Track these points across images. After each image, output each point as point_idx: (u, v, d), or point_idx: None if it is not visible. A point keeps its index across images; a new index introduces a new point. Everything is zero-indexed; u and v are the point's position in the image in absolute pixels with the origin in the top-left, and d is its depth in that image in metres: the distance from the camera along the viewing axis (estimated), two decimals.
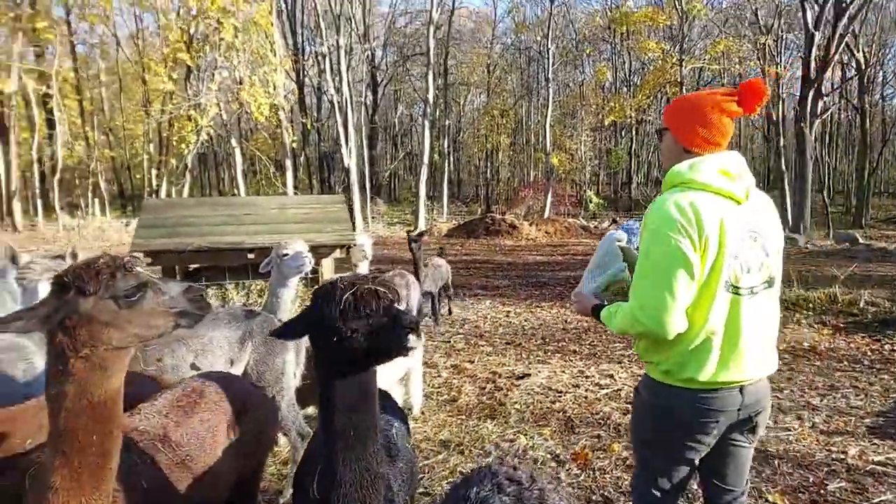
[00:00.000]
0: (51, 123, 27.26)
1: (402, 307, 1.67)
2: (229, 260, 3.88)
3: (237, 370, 3.21)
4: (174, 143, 25.28)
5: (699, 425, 1.90)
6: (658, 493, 2.01)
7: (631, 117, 29.00)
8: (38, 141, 26.04)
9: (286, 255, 3.61)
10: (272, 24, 23.83)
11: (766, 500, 3.27)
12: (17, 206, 24.28)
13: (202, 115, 23.44)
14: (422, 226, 21.65)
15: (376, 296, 1.55)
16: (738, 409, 1.91)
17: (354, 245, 4.61)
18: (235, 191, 24.35)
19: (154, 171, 29.40)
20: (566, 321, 8.01)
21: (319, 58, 27.93)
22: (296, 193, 30.32)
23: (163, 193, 25.82)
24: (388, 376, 3.97)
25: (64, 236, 20.71)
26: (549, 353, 6.36)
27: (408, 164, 41.99)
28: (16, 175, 24.90)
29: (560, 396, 4.96)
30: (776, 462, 3.68)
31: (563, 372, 5.66)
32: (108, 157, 34.13)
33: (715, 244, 1.80)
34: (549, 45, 25.55)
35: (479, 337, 7.14)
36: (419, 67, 32.36)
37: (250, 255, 4.00)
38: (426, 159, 22.82)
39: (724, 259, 1.81)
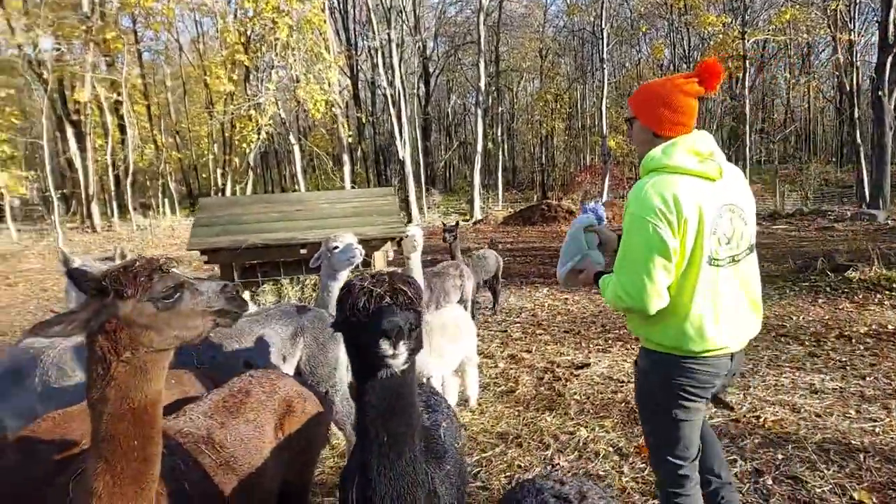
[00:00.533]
0: (123, 129, 28.65)
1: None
2: (283, 256, 3.92)
3: (289, 366, 3.23)
4: (236, 142, 26.08)
5: (699, 390, 2.05)
6: (674, 461, 2.12)
7: None
8: (112, 146, 27.41)
9: (336, 248, 3.61)
10: (325, 22, 24.15)
11: (851, 498, 3.04)
12: (95, 209, 25.68)
13: (262, 115, 24.08)
14: (477, 215, 21.57)
15: (368, 294, 1.43)
16: (727, 374, 2.10)
17: (406, 236, 4.55)
18: (296, 187, 24.99)
19: (219, 171, 30.46)
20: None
21: (372, 52, 28.18)
22: (353, 187, 30.86)
23: (227, 192, 26.72)
24: (443, 367, 3.93)
25: (138, 235, 21.77)
26: (609, 342, 6.17)
27: (462, 154, 41.89)
28: (93, 179, 26.29)
29: (622, 386, 4.80)
30: (861, 456, 3.43)
31: (625, 361, 5.47)
32: (176, 158, 35.58)
33: (694, 225, 1.93)
34: (603, 25, 24.79)
35: (537, 326, 7.02)
36: (471, 56, 32.13)
37: (303, 251, 4.03)
38: (480, 148, 22.67)
39: (703, 237, 1.94)
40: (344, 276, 3.66)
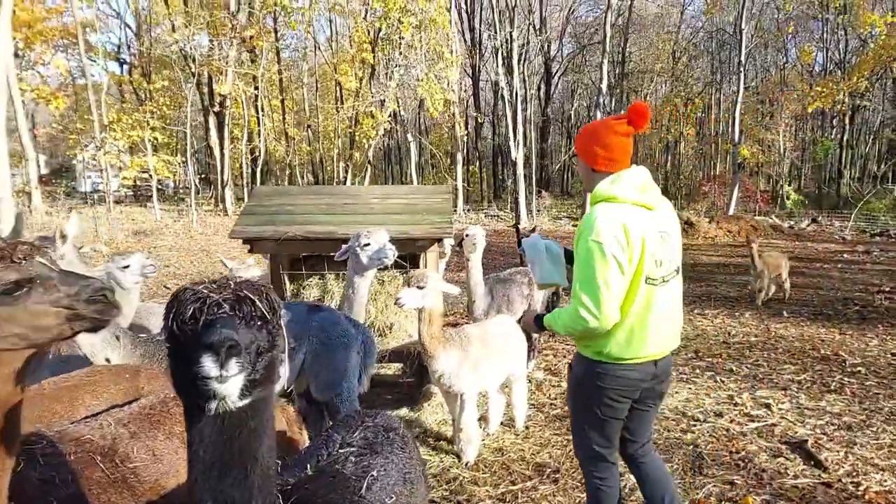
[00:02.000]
0: (258, 122, 30.72)
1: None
2: (324, 249, 3.82)
3: (285, 369, 3.09)
4: (357, 138, 27.05)
5: (625, 391, 2.33)
6: (598, 449, 2.44)
7: (843, 103, 24.93)
8: (248, 136, 29.47)
9: (367, 244, 3.43)
10: (448, 22, 24.37)
11: None
12: (228, 194, 27.71)
13: (382, 112, 24.80)
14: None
15: (201, 302, 1.09)
16: (652, 378, 2.36)
17: (467, 236, 4.28)
18: (405, 178, 25.51)
19: (342, 164, 31.81)
20: (729, 333, 6.98)
21: (494, 52, 28.06)
22: (465, 186, 30.93)
23: (348, 184, 27.81)
24: (479, 383, 3.63)
25: None
26: (696, 371, 5.53)
27: None
28: (228, 166, 28.41)
29: (695, 425, 4.23)
30: None
31: (708, 395, 4.86)
32: (306, 151, 37.64)
33: (639, 249, 2.19)
34: (743, 26, 22.85)
35: None
36: (597, 57, 31.04)
37: (344, 246, 3.90)
38: None
39: (644, 259, 2.20)
40: (371, 274, 3.48)
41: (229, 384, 1.06)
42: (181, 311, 1.09)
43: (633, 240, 2.17)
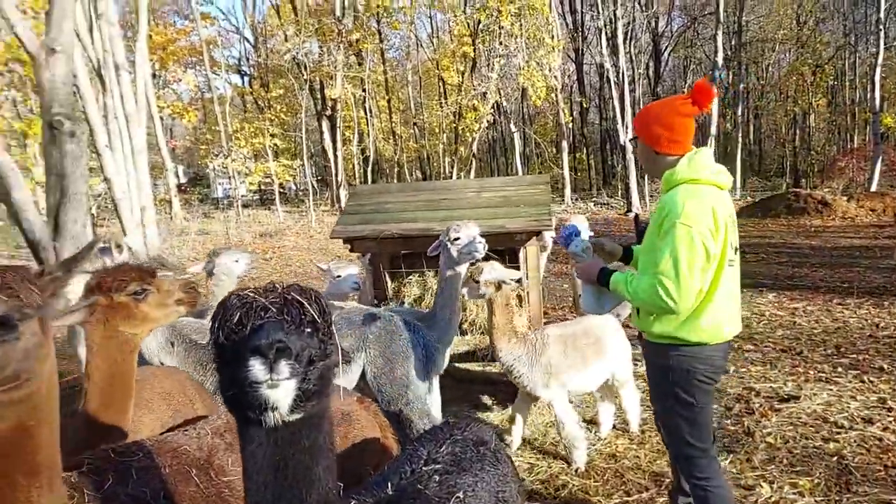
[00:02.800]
0: (367, 122, 31.73)
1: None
2: (422, 246, 3.76)
3: (345, 382, 3.04)
4: (461, 132, 27.16)
5: (715, 373, 2.36)
6: (699, 444, 2.37)
7: None
8: (358, 137, 30.56)
9: (457, 238, 3.33)
10: (548, 6, 23.79)
11: None
12: (342, 194, 28.86)
13: (484, 104, 24.71)
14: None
15: (248, 307, 1.03)
16: (726, 359, 2.44)
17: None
18: (511, 169, 25.28)
19: (447, 160, 32.18)
20: (877, 325, 6.20)
21: (598, 33, 27.03)
22: (573, 173, 30.11)
23: (453, 178, 28.04)
24: (572, 387, 3.44)
25: None
26: (838, 370, 4.94)
27: (699, 138, 38.16)
28: (342, 167, 29.60)
29: (839, 433, 3.77)
30: None
31: (853, 398, 4.32)
32: (413, 148, 38.42)
33: (723, 232, 2.19)
34: None
35: (747, 339, 5.94)
36: (710, 29, 28.98)
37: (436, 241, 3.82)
38: (713, 130, 20.31)
39: (728, 241, 2.22)
40: (463, 270, 3.36)
41: (280, 390, 0.99)
42: (228, 318, 1.04)
43: (720, 223, 2.17)
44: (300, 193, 38.14)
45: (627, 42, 26.43)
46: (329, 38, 28.34)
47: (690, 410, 2.34)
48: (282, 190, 31.73)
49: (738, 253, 2.35)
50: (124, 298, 1.98)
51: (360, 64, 31.26)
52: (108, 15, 14.92)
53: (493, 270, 3.33)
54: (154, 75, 33.00)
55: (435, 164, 39.65)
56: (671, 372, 2.34)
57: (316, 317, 1.07)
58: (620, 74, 21.85)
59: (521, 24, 23.76)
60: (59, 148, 7.64)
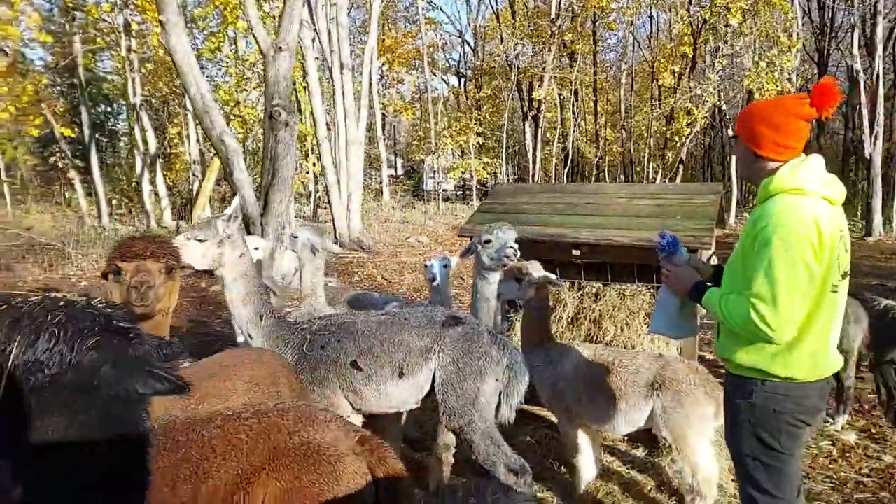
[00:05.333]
0: (573, 124, 31.27)
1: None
2: (555, 253, 3.43)
3: (407, 385, 2.79)
4: (668, 136, 25.47)
5: (807, 416, 2.04)
6: (785, 497, 2.05)
7: None
8: (559, 137, 30.27)
9: (488, 241, 3.00)
10: (789, 1, 21.11)
11: None
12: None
13: (700, 107, 22.82)
14: (878, 225, 15.76)
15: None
16: (823, 399, 2.14)
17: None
18: (727, 182, 23.02)
19: (652, 165, 30.49)
20: None
21: (850, 30, 23.31)
22: None
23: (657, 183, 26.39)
24: (584, 420, 2.91)
25: None
26: None
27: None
28: (539, 168, 29.55)
29: None
30: None
31: None
32: (618, 152, 36.96)
33: (828, 252, 1.91)
34: None
35: None
36: None
37: (575, 251, 3.44)
38: None
39: (833, 265, 1.95)
40: (495, 277, 3.00)
41: None
42: None
43: (826, 241, 1.89)
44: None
45: (890, 40, 22.43)
46: (542, 39, 28.42)
47: (774, 458, 2.04)
48: (482, 187, 32.68)
49: (846, 278, 2.04)
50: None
51: (571, 65, 30.82)
52: (340, 18, 16.58)
53: (539, 270, 3.07)
54: (382, 76, 36.17)
55: (639, 168, 37.69)
56: (754, 410, 2.05)
57: None
58: (875, 77, 18.58)
59: (753, 22, 21.44)
60: (275, 135, 8.61)
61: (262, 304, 3.00)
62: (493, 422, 2.82)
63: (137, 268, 2.19)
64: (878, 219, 18.01)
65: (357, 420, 3.38)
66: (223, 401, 2.19)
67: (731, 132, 2.18)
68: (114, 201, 20.91)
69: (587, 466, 3.41)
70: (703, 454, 2.94)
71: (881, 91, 18.74)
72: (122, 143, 28.23)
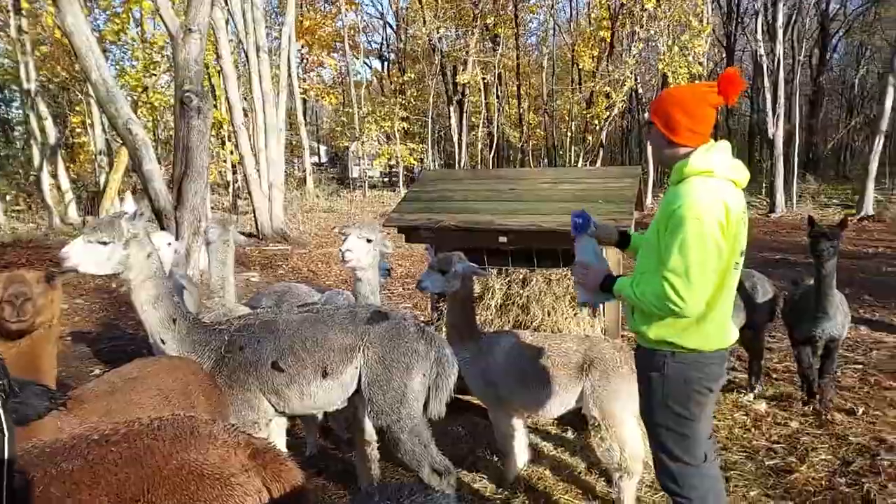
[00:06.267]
0: (497, 108, 31.47)
1: None
2: (482, 241, 3.39)
3: (333, 384, 2.71)
4: (589, 119, 26.08)
5: (713, 384, 2.19)
6: (696, 461, 2.20)
7: None
8: (483, 123, 30.44)
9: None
10: None
11: None
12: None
13: (618, 91, 23.47)
14: (868, 209, 16.95)
15: None
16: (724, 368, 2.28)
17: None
18: (644, 164, 23.80)
19: (574, 148, 31.21)
20: None
21: (754, 16, 24.57)
22: None
23: (579, 166, 27.05)
24: (522, 408, 2.93)
25: None
26: None
27: (868, 135, 33.64)
28: (466, 153, 29.66)
29: None
30: None
31: None
32: (541, 136, 37.58)
33: (734, 231, 2.04)
34: None
35: (891, 374, 4.95)
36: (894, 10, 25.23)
37: (502, 239, 3.42)
38: (883, 126, 17.63)
39: (738, 242, 2.08)
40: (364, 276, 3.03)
41: None
42: None
43: (732, 220, 2.01)
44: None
45: (790, 26, 23.79)
46: (465, 22, 28.38)
47: (684, 425, 2.18)
48: (409, 173, 32.46)
49: (742, 255, 2.15)
50: None
51: (494, 49, 30.99)
52: None
53: (463, 261, 3.08)
54: (301, 59, 35.10)
55: (562, 152, 38.55)
56: (666, 381, 2.18)
57: None
58: (776, 62, 19.68)
59: (668, 7, 22.20)
60: (187, 122, 8.11)
61: (174, 307, 2.79)
62: (422, 418, 2.75)
63: (10, 278, 1.93)
64: (780, 197, 19.23)
65: (281, 422, 3.24)
66: (127, 415, 2.01)
67: (647, 117, 2.24)
68: (8, 197, 19.28)
69: (519, 453, 3.43)
70: (630, 430, 3.02)
71: (782, 75, 19.87)
72: (16, 134, 26.03)
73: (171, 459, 1.49)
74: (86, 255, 2.58)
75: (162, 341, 2.77)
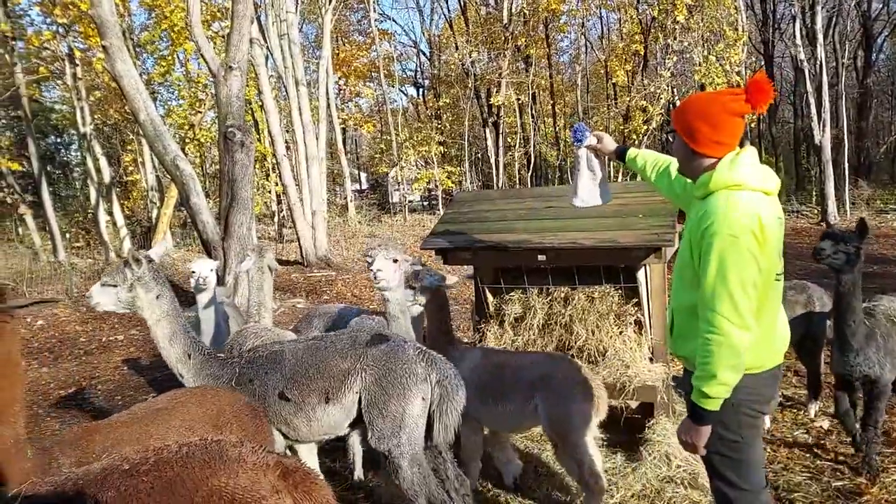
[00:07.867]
0: (533, 128, 31.52)
1: None
2: (521, 260, 3.37)
3: (335, 411, 2.72)
4: (626, 135, 25.85)
5: (763, 406, 2.13)
6: (754, 487, 2.08)
7: None
8: (520, 142, 30.49)
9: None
10: None
11: None
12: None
13: (654, 104, 23.25)
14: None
15: None
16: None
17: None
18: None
19: (612, 164, 30.91)
20: None
21: (792, 20, 24.08)
22: None
23: (618, 182, 26.76)
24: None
25: None
26: None
27: None
28: (503, 174, 29.70)
29: None
30: None
31: None
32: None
33: (772, 243, 1.96)
34: None
35: None
36: None
37: (541, 257, 3.39)
38: None
39: (774, 253, 2.00)
40: (393, 296, 3.13)
41: None
42: None
43: (767, 233, 1.93)
44: None
45: (831, 29, 23.22)
46: (496, 45, 28.67)
47: (737, 450, 2.07)
48: (448, 196, 32.63)
49: (782, 265, 2.10)
50: None
51: (527, 70, 31.14)
52: (291, 34, 16.39)
53: (432, 275, 3.13)
54: (339, 90, 35.99)
55: None
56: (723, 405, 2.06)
57: None
58: (818, 66, 19.17)
59: (701, 18, 21.98)
60: (231, 156, 8.40)
61: (190, 342, 2.95)
62: (423, 446, 2.73)
63: None
64: (832, 204, 18.53)
65: (311, 445, 3.28)
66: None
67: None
68: (69, 234, 20.22)
69: (508, 463, 3.48)
70: (586, 451, 2.98)
71: (825, 79, 19.34)
72: (75, 174, 27.39)
73: (201, 486, 1.51)
74: (102, 296, 2.86)
75: (181, 375, 2.94)
